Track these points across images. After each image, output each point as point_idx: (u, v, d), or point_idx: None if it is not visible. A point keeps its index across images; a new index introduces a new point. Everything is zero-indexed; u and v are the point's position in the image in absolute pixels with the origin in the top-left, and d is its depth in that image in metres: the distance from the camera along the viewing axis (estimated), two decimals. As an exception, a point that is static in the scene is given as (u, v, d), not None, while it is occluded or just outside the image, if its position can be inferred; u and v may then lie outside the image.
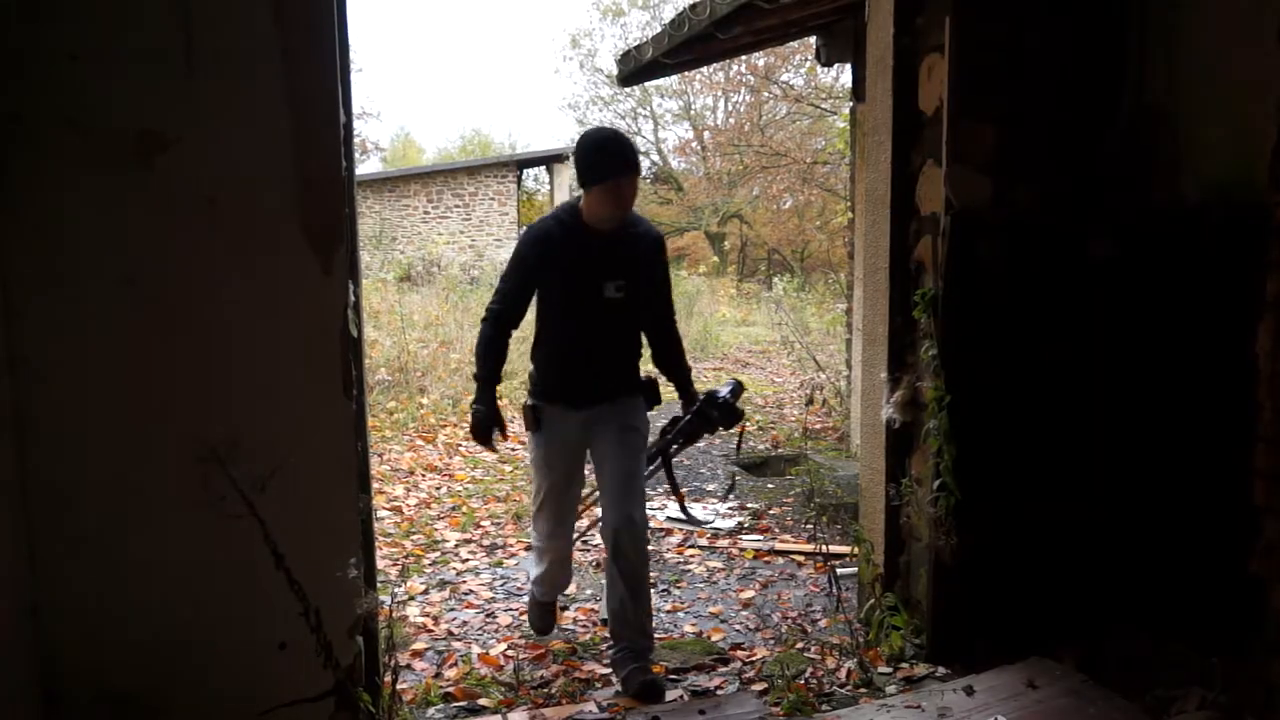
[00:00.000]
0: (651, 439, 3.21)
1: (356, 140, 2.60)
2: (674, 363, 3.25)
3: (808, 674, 2.87)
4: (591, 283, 2.92)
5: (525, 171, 19.74)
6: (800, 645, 3.16)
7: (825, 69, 7.90)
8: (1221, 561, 2.48)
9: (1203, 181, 2.80)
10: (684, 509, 3.74)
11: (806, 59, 15.86)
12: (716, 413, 3.16)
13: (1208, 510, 2.73)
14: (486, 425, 3.02)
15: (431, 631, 3.42)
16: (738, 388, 3.29)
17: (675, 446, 3.27)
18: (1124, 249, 2.89)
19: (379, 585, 2.57)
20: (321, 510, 2.34)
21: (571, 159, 2.88)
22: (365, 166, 24.44)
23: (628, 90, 22.85)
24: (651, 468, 3.27)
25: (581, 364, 3.01)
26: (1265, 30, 2.21)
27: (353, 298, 2.36)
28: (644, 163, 24.28)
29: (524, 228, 3.07)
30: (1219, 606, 2.55)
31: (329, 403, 2.33)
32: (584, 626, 3.47)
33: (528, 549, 3.39)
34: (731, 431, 3.35)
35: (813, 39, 6.56)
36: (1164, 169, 2.89)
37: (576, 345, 3.01)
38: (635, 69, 6.81)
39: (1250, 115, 2.51)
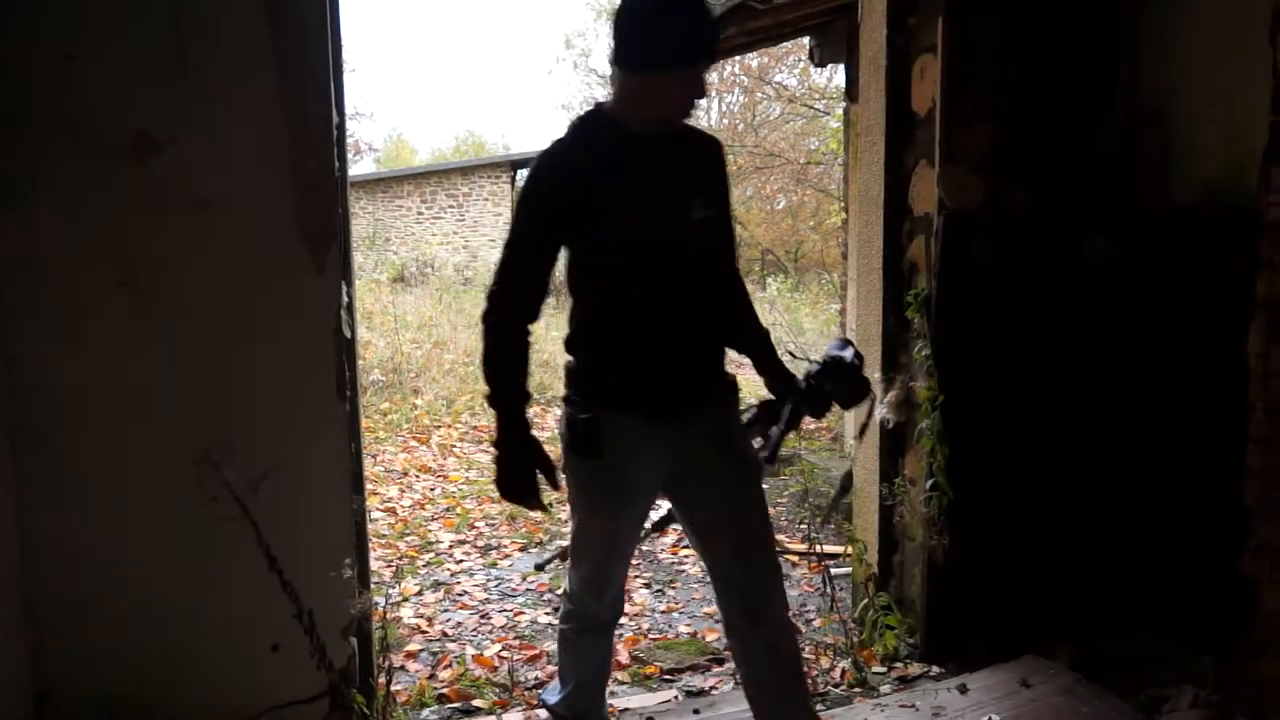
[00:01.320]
0: None
1: (350, 141, 2.59)
2: (752, 325, 2.18)
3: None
4: (667, 207, 1.93)
5: (519, 172, 19.71)
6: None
7: (819, 69, 7.92)
8: (1216, 562, 2.49)
9: (1196, 182, 2.80)
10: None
11: (800, 59, 15.87)
12: (846, 384, 2.12)
13: (1203, 510, 2.74)
14: (524, 471, 1.95)
15: (426, 633, 3.42)
16: (857, 350, 2.20)
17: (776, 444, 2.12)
18: (1118, 249, 2.89)
19: (373, 586, 2.57)
20: (315, 511, 2.34)
21: (613, 28, 1.87)
22: (359, 167, 24.39)
23: (622, 90, 22.82)
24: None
25: (663, 347, 1.96)
26: (1257, 31, 2.22)
27: (346, 298, 2.36)
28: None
29: (534, 162, 1.98)
30: (1213, 607, 2.56)
31: (322, 404, 2.33)
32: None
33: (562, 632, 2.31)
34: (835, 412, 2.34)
35: (806, 39, 6.57)
36: (1157, 169, 2.90)
37: (653, 317, 1.95)
38: (629, 69, 6.79)
39: (1242, 116, 2.52)
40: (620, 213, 1.91)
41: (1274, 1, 2.17)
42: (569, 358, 2.07)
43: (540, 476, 1.96)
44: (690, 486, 2.05)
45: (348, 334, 2.36)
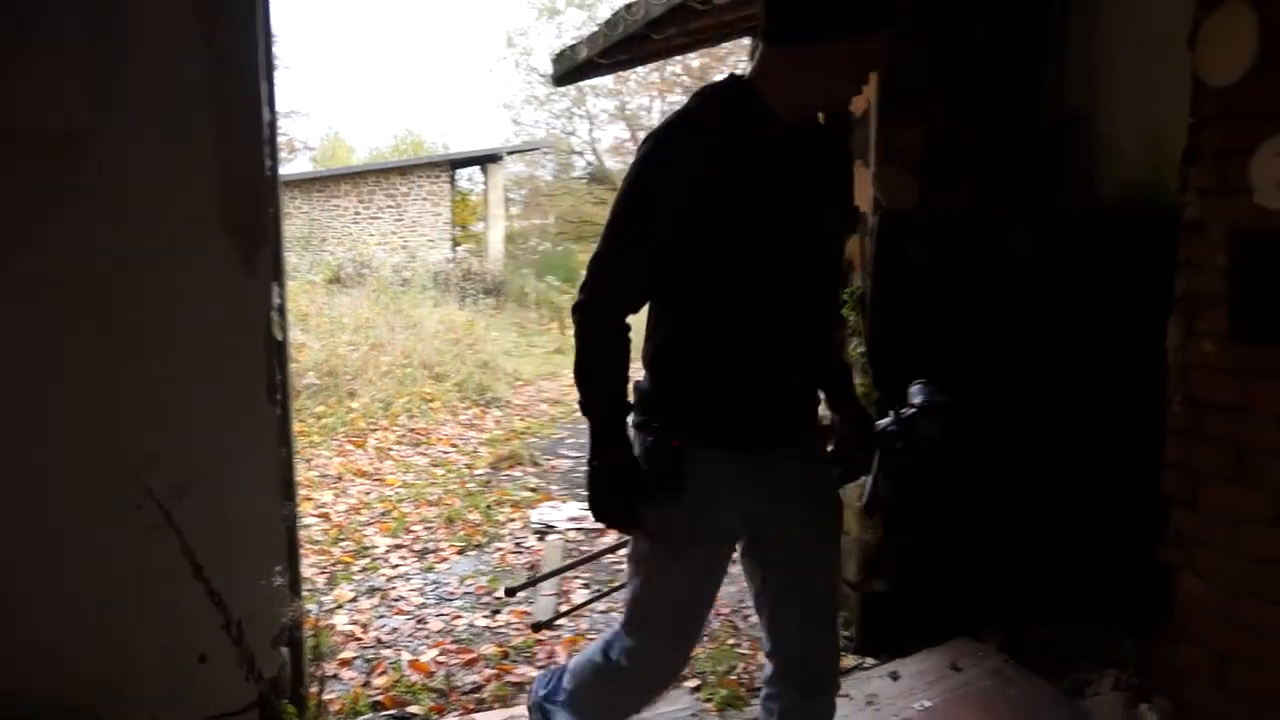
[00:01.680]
0: None
1: (284, 139, 2.54)
2: (836, 356, 1.99)
3: (739, 669, 2.89)
4: (808, 215, 1.70)
5: (459, 171, 19.52)
6: (732, 641, 3.17)
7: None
8: (1140, 551, 2.56)
9: (1119, 183, 2.89)
10: None
11: (741, 60, 16.00)
12: (950, 432, 1.88)
13: (1129, 502, 2.82)
14: (626, 490, 1.69)
15: (360, 639, 3.35)
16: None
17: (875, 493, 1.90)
18: (1048, 249, 2.97)
19: (305, 594, 2.52)
20: (244, 518, 2.28)
21: None
22: (294, 166, 23.93)
23: (563, 90, 22.81)
24: None
25: (771, 371, 1.73)
26: (1177, 37, 2.29)
27: (278, 299, 2.31)
28: (579, 163, 24.27)
29: (655, 133, 1.68)
30: (1137, 594, 2.64)
31: (252, 408, 2.28)
32: (517, 629, 3.44)
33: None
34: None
35: (747, 40, 6.62)
36: (1084, 170, 2.98)
37: (766, 337, 1.71)
38: (570, 69, 6.77)
39: (1163, 119, 2.60)
40: (756, 212, 1.63)
41: (1193, 8, 2.24)
42: (646, 375, 1.77)
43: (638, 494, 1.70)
44: (769, 536, 1.79)
45: (279, 336, 2.31)
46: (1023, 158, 2.99)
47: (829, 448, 1.94)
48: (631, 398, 1.72)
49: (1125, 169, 2.86)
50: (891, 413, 1.91)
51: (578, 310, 1.69)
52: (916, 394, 1.95)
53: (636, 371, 1.75)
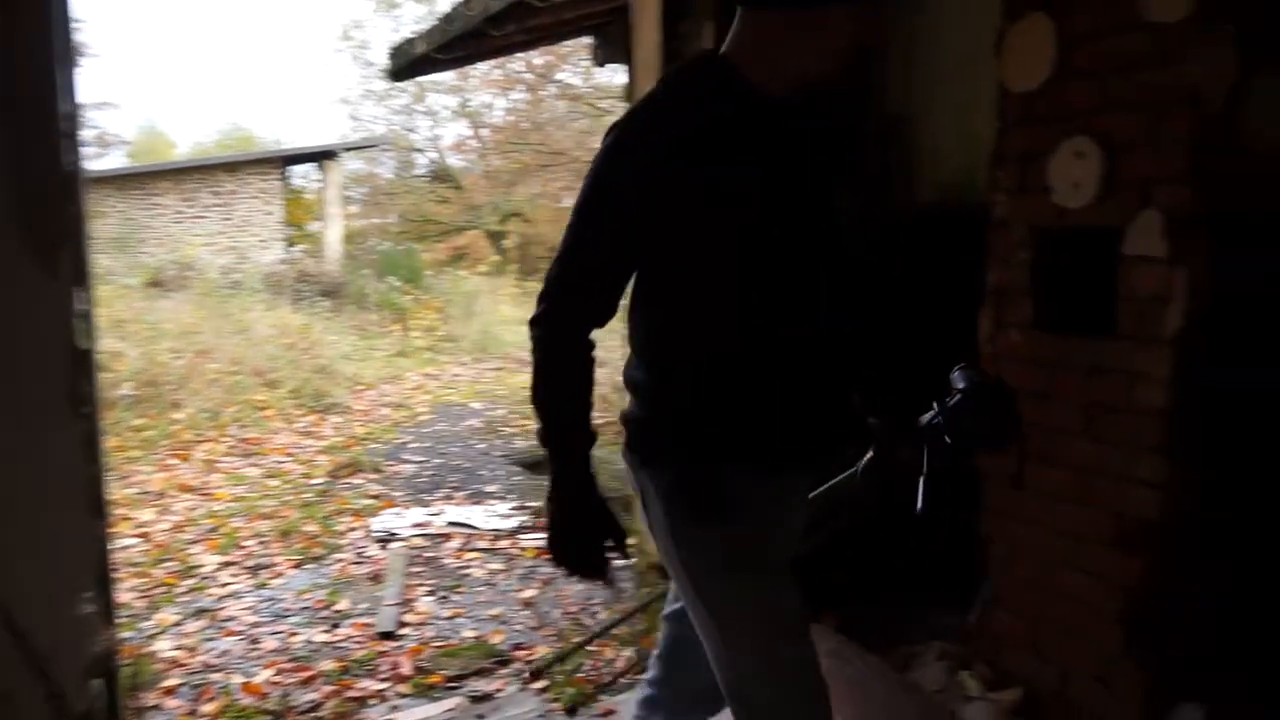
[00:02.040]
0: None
1: (95, 133, 2.35)
2: (864, 358, 1.79)
3: (587, 667, 2.90)
4: (801, 197, 1.54)
5: (294, 169, 18.69)
6: (579, 639, 3.17)
7: (601, 69, 8.00)
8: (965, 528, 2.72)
9: (937, 184, 3.05)
10: None
11: (584, 59, 16.05)
12: (997, 418, 1.70)
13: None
14: (589, 535, 1.51)
15: (186, 665, 3.15)
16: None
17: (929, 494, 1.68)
18: (872, 248, 3.10)
19: (123, 620, 2.35)
20: (47, 543, 2.10)
21: None
22: (107, 162, 22.36)
23: (403, 85, 22.19)
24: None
25: (786, 378, 1.55)
26: (987, 45, 2.44)
27: (83, 305, 2.14)
28: (421, 161, 23.74)
29: (619, 123, 1.51)
30: (962, 569, 2.80)
31: (54, 423, 2.10)
32: (358, 642, 3.32)
33: None
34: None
35: (587, 39, 6.63)
36: (903, 172, 3.13)
37: (780, 340, 1.53)
38: (407, 63, 6.60)
39: (976, 124, 2.77)
40: (745, 202, 1.44)
41: (999, 20, 2.39)
42: (638, 402, 1.57)
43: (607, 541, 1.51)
44: None
45: (84, 344, 2.14)
46: (855, 159, 3.12)
47: (869, 454, 1.77)
48: (621, 429, 1.55)
49: (944, 171, 3.03)
50: (935, 404, 1.72)
51: (535, 324, 1.49)
52: (959, 379, 1.77)
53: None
